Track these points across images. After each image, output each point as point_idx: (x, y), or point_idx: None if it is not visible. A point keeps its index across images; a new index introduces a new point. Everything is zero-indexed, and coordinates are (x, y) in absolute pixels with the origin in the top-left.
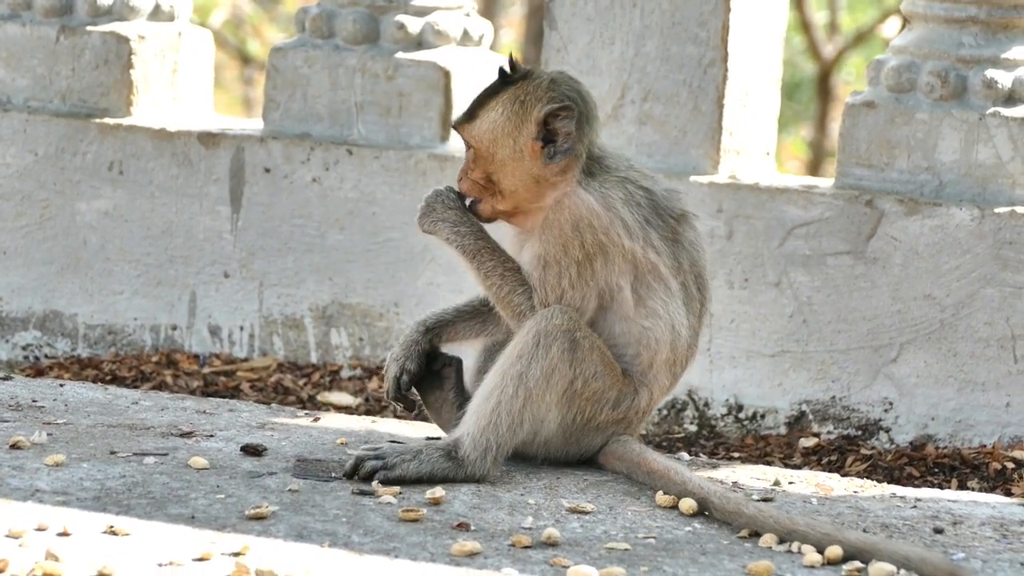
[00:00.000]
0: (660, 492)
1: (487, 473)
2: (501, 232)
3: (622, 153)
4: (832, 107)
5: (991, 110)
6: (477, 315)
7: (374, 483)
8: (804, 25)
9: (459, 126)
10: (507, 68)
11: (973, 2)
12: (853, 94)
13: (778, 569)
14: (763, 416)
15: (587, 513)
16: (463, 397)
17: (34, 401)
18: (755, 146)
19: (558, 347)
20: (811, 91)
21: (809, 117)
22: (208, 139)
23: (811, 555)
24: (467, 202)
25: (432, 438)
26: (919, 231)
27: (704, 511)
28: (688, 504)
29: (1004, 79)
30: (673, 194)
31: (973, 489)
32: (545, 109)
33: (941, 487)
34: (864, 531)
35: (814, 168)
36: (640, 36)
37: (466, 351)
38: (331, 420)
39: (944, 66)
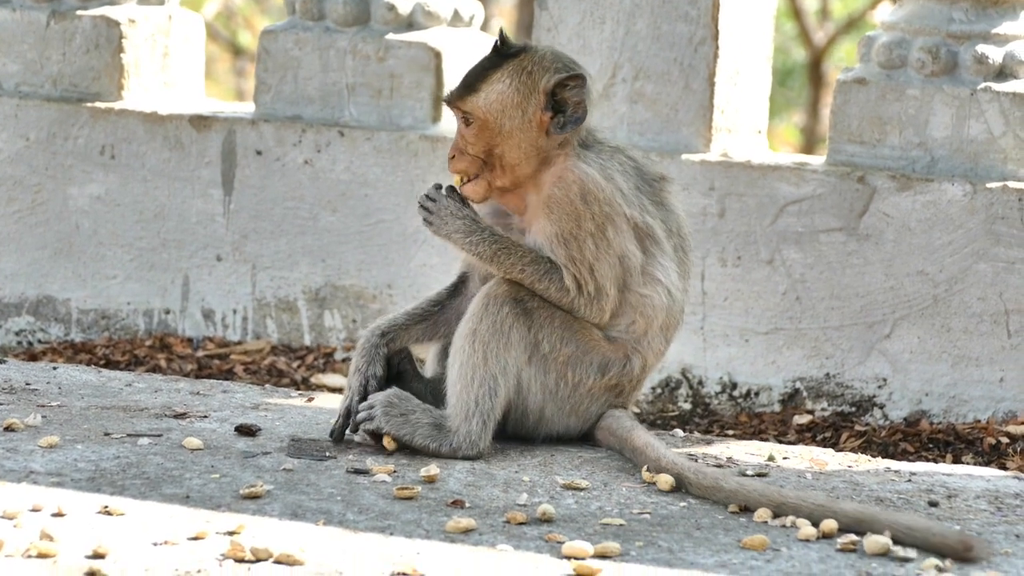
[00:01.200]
0: (644, 468)
1: (476, 441)
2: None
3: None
4: (824, 93)
5: (982, 85)
6: (428, 318)
7: (358, 434)
8: (795, 11)
9: (458, 99)
10: (499, 43)
11: None
12: (844, 71)
13: (773, 543)
14: (757, 394)
15: (582, 489)
16: (424, 381)
17: (28, 384)
18: (747, 124)
19: (509, 308)
20: (803, 77)
21: (801, 103)
22: (199, 122)
23: (806, 528)
24: (459, 184)
25: None
26: (911, 207)
27: (680, 488)
28: (665, 480)
29: (995, 54)
30: (648, 160)
31: (967, 463)
32: (555, 79)
33: (936, 462)
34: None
35: (807, 154)
36: (631, 15)
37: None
38: (325, 400)
39: (935, 42)
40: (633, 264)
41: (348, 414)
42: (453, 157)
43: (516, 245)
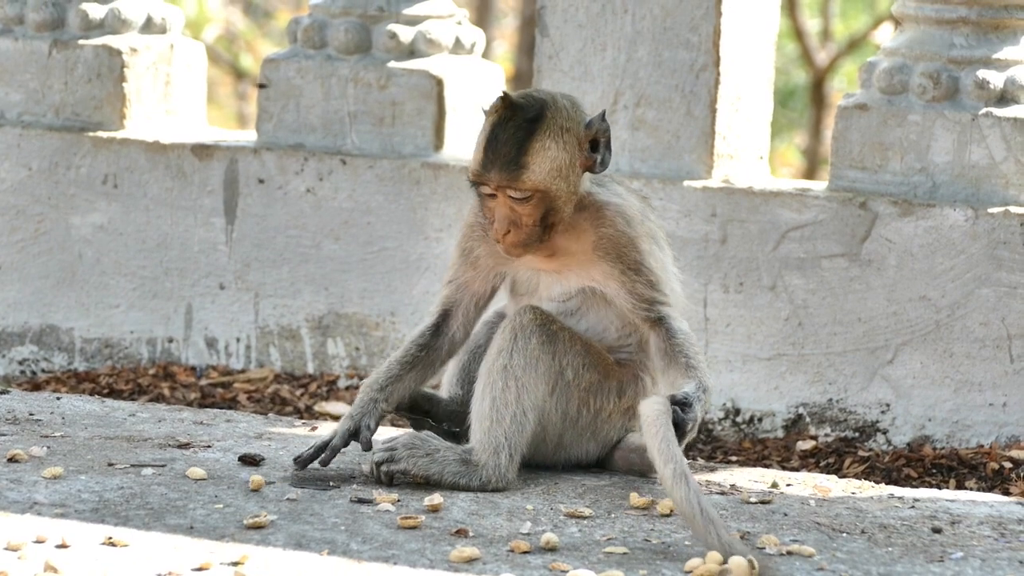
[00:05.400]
0: (635, 494)
1: (504, 474)
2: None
3: None
4: (826, 114)
5: (983, 111)
6: (416, 364)
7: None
8: (797, 32)
9: (513, 180)
10: (511, 106)
11: (964, 3)
12: (846, 96)
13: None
14: (760, 419)
15: (585, 518)
16: (443, 429)
17: (31, 414)
18: (748, 150)
19: (536, 339)
20: (805, 98)
21: (803, 124)
22: (202, 151)
23: (804, 548)
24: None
25: None
26: (913, 232)
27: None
28: (665, 505)
29: (996, 79)
30: (624, 181)
31: (971, 489)
32: (597, 126)
33: (939, 487)
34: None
35: (809, 175)
36: (632, 42)
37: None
38: (328, 429)
39: (936, 67)
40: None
41: (323, 448)
42: (508, 233)
43: (699, 373)
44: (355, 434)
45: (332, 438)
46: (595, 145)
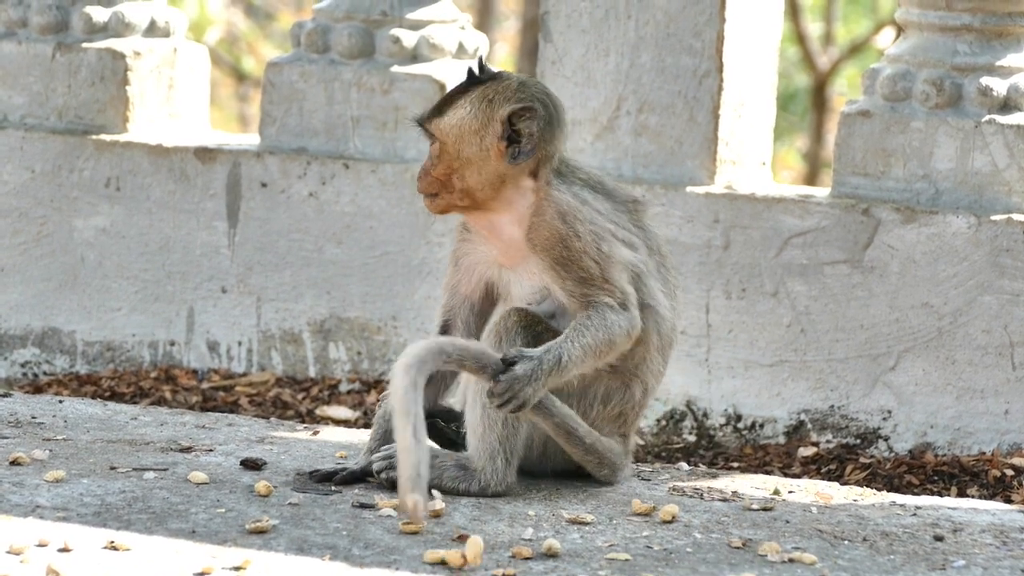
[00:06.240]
0: (637, 500)
1: (503, 478)
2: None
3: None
4: (827, 118)
5: (987, 118)
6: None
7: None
8: (799, 36)
9: (426, 121)
10: (476, 70)
11: (967, 10)
12: (849, 103)
13: None
14: (762, 426)
15: (587, 524)
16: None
17: (33, 417)
18: (751, 156)
19: (521, 341)
20: (806, 102)
21: (804, 128)
22: (204, 154)
23: (805, 555)
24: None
25: None
26: (916, 239)
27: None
28: (667, 511)
29: (999, 86)
30: (620, 186)
31: (973, 496)
32: (510, 108)
33: (941, 495)
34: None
35: (810, 179)
36: (635, 47)
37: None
38: (330, 434)
39: (939, 74)
40: (642, 270)
41: (342, 470)
42: (420, 178)
43: (564, 340)
44: (371, 471)
45: (356, 468)
46: (518, 136)
